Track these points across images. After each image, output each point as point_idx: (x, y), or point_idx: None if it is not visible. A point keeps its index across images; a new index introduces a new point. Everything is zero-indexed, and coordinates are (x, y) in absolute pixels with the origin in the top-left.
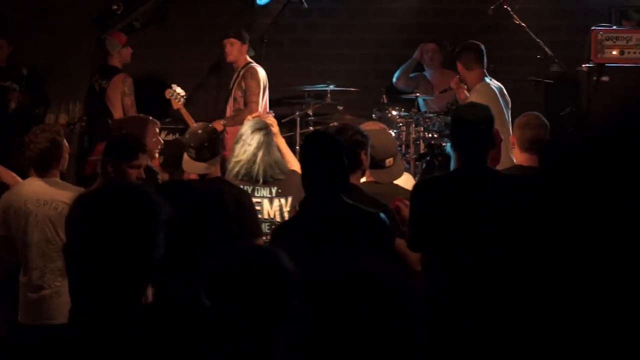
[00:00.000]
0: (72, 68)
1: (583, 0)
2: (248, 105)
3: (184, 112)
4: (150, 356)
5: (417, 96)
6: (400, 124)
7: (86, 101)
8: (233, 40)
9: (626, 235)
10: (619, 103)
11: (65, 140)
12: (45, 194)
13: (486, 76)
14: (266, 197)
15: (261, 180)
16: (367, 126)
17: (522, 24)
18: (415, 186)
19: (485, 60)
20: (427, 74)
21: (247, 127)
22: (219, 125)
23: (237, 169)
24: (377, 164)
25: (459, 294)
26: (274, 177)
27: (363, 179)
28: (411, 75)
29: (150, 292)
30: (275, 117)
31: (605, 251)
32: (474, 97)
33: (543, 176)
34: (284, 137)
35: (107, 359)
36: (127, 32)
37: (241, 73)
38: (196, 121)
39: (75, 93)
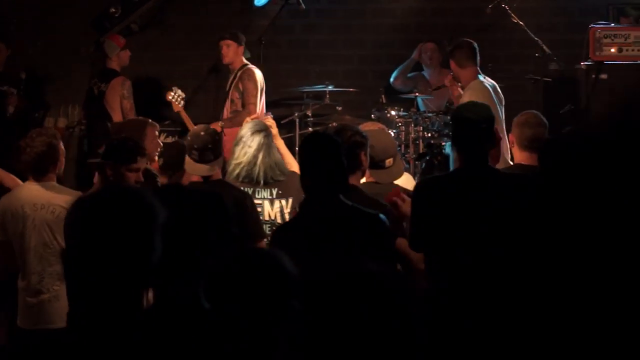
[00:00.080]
0: (71, 71)
1: None
2: (246, 106)
3: (183, 114)
4: (150, 359)
5: (416, 96)
6: (400, 124)
7: (85, 104)
8: (229, 41)
9: (625, 233)
10: (618, 104)
11: (61, 144)
12: (42, 197)
13: (480, 74)
14: (267, 198)
15: (262, 182)
16: (366, 127)
17: (520, 23)
18: (416, 186)
19: (478, 57)
20: (425, 73)
21: (246, 129)
22: (217, 127)
23: (237, 171)
24: (376, 164)
25: (459, 293)
26: (275, 178)
27: (363, 180)
28: (409, 75)
29: (150, 295)
30: (274, 118)
31: (604, 249)
32: (467, 94)
33: (542, 175)
34: (283, 139)
35: None
36: (125, 35)
37: (238, 75)
38: (195, 123)
39: (74, 96)
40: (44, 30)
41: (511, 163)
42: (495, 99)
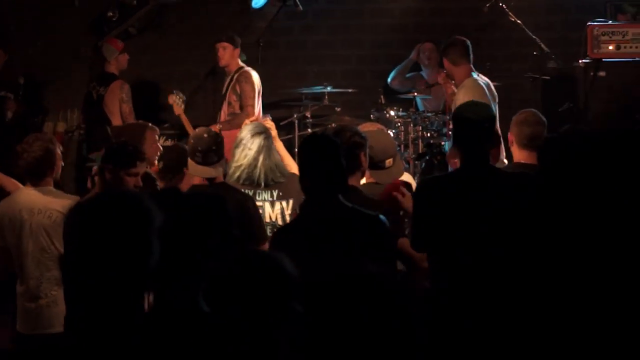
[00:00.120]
0: (69, 75)
1: None
2: (244, 109)
3: (183, 117)
4: None
5: (414, 96)
6: (399, 124)
7: (84, 109)
8: (225, 44)
9: (625, 232)
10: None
11: (58, 149)
12: (40, 202)
13: (473, 71)
14: (267, 200)
15: (262, 184)
16: (366, 127)
17: (518, 21)
18: (418, 186)
19: (471, 55)
20: (424, 73)
21: (246, 132)
22: (215, 129)
23: (238, 173)
24: (376, 164)
25: (460, 293)
26: (275, 180)
27: (363, 180)
28: (408, 75)
29: (149, 298)
30: (273, 120)
31: (604, 248)
32: (462, 92)
33: (542, 174)
34: (282, 140)
35: None
36: (123, 39)
37: (235, 77)
38: (194, 125)
39: (73, 100)
40: (42, 34)
41: (505, 162)
42: (489, 96)
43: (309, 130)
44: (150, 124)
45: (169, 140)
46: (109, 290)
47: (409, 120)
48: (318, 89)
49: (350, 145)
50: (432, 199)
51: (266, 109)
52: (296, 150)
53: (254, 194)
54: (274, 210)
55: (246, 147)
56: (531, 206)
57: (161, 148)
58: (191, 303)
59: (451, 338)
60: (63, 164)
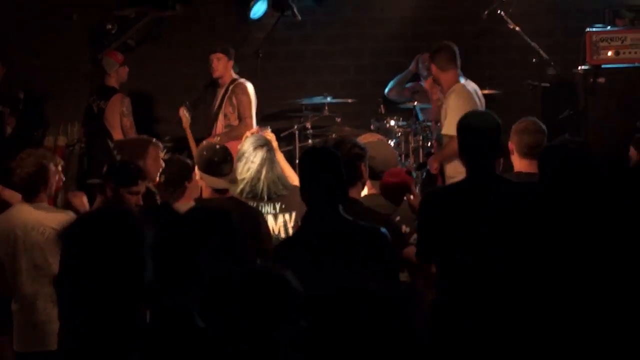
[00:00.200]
0: (69, 89)
1: (576, 2)
2: (243, 120)
3: (189, 132)
4: None
5: (414, 105)
6: (399, 134)
7: (84, 122)
8: (220, 55)
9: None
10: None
11: (53, 165)
12: (33, 219)
13: (461, 76)
14: (270, 213)
15: (265, 197)
16: (366, 138)
17: (517, 28)
18: (424, 196)
19: (459, 60)
20: (423, 84)
21: (248, 145)
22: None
23: (241, 186)
24: (377, 175)
25: (467, 304)
26: (278, 193)
27: (365, 191)
28: (407, 85)
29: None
30: (273, 131)
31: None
32: (453, 97)
33: (543, 183)
34: (283, 151)
35: None
36: (123, 51)
37: (230, 88)
38: (194, 138)
39: (73, 114)
40: (41, 48)
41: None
42: (478, 103)
43: (310, 141)
44: (154, 140)
45: (169, 153)
46: (102, 308)
47: (409, 130)
48: (318, 100)
49: (351, 157)
50: (438, 210)
51: (266, 120)
52: (297, 161)
53: (257, 207)
54: (277, 223)
55: (249, 161)
56: (533, 215)
57: (163, 164)
58: (189, 317)
59: (458, 348)
60: (64, 178)
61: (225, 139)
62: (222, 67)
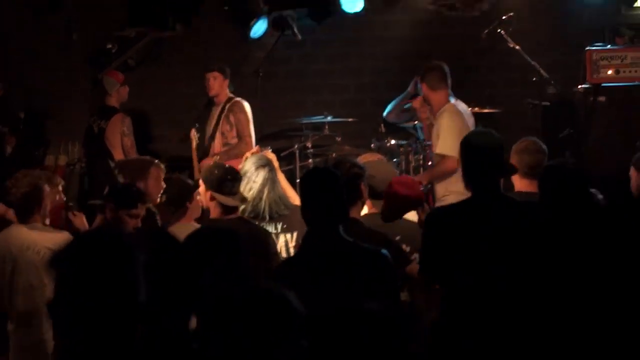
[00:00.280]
0: (70, 109)
1: (576, 21)
2: (242, 139)
3: (195, 153)
4: None
5: (415, 124)
6: (400, 153)
7: (85, 142)
8: (216, 74)
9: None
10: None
11: (47, 186)
12: (28, 239)
13: (451, 96)
14: (272, 233)
15: (267, 217)
16: (366, 157)
17: (517, 47)
18: (429, 214)
19: (449, 80)
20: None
21: (250, 164)
22: (211, 161)
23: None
24: (378, 194)
25: (468, 325)
26: (279, 212)
27: (365, 210)
28: (406, 106)
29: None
30: (274, 151)
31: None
32: (445, 117)
33: (543, 203)
34: (283, 171)
35: None
36: (123, 71)
37: (226, 107)
38: (190, 156)
39: (73, 133)
40: (41, 68)
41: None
42: (468, 123)
43: (310, 160)
44: (156, 161)
45: (169, 172)
46: (97, 328)
47: (410, 149)
48: (318, 119)
49: (350, 176)
50: (442, 228)
51: (266, 139)
52: (297, 180)
53: None
54: (278, 242)
55: (251, 180)
56: (535, 235)
57: (164, 186)
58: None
59: None
60: (65, 197)
61: (225, 158)
62: (218, 85)
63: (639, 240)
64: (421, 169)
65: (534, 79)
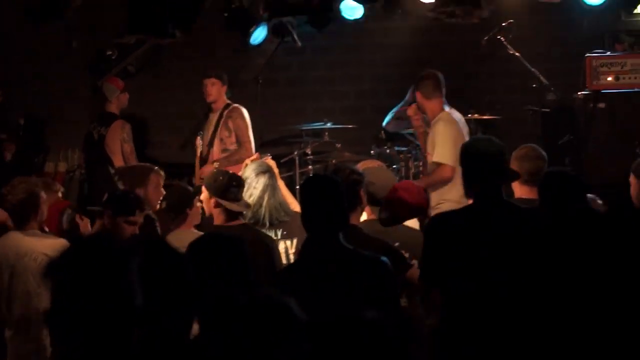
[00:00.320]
0: (69, 115)
1: (576, 27)
2: (242, 145)
3: (198, 160)
4: None
5: (414, 131)
6: (400, 160)
7: (85, 149)
8: (214, 80)
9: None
10: None
11: (44, 193)
12: (25, 245)
13: (445, 104)
14: None
15: (267, 224)
16: (365, 164)
17: (517, 54)
18: (431, 220)
19: (444, 89)
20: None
21: (250, 171)
22: (211, 168)
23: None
24: (377, 201)
25: (469, 331)
26: (279, 219)
27: (364, 217)
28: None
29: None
30: (273, 157)
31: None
32: (441, 125)
33: (543, 209)
34: (283, 177)
35: None
36: (122, 77)
37: (224, 113)
38: (190, 163)
39: (73, 140)
40: (41, 75)
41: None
42: (463, 131)
43: (310, 167)
44: (155, 167)
45: (169, 179)
46: (94, 334)
47: (410, 155)
48: (318, 125)
49: (350, 183)
50: (444, 234)
51: (266, 145)
52: (297, 187)
53: None
54: (279, 249)
55: (251, 187)
56: (536, 241)
57: (164, 192)
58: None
59: None
60: None
61: (225, 164)
62: (216, 91)
63: (638, 247)
64: (421, 176)
65: (534, 85)
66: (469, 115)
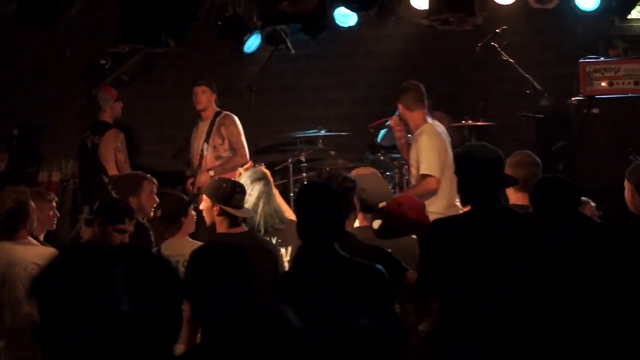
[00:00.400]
0: (63, 125)
1: (569, 33)
2: (237, 151)
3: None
4: None
5: (408, 136)
6: (394, 167)
7: (78, 158)
8: (204, 88)
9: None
10: None
11: (33, 202)
12: (15, 255)
13: (428, 116)
14: None
15: (262, 231)
16: (360, 171)
17: (510, 60)
18: (427, 227)
19: (426, 100)
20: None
21: (246, 178)
22: (207, 175)
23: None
24: (370, 208)
25: (467, 338)
26: (274, 226)
27: (356, 223)
28: (386, 123)
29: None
30: (268, 165)
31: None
32: (424, 138)
33: (535, 216)
34: (277, 185)
35: None
36: (116, 86)
37: (217, 121)
38: (182, 172)
39: (67, 150)
40: (34, 84)
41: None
42: (446, 143)
43: (304, 174)
44: (148, 175)
45: (163, 187)
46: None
47: (404, 162)
48: (312, 133)
49: (344, 190)
50: (442, 240)
51: (260, 153)
52: (291, 194)
53: None
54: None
55: (246, 194)
56: (536, 246)
57: (157, 200)
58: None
59: None
60: (58, 214)
61: (220, 171)
62: (206, 99)
63: (633, 253)
64: (405, 188)
65: (528, 91)
66: (463, 122)
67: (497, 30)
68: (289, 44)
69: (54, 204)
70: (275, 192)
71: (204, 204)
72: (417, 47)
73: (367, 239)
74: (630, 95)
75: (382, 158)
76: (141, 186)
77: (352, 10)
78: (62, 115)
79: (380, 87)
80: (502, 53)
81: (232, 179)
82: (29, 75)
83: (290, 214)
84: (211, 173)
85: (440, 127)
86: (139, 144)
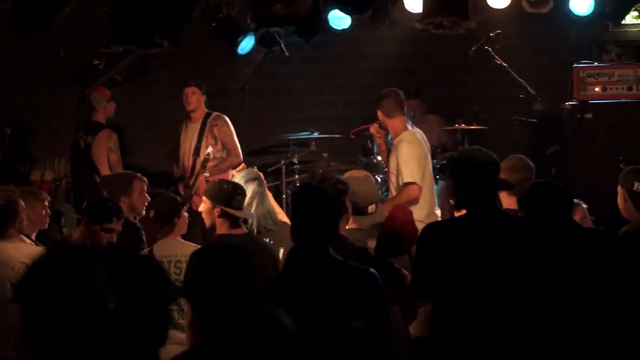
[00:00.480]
0: (56, 125)
1: (563, 38)
2: (231, 151)
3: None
4: None
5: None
6: (386, 169)
7: (71, 157)
8: (194, 89)
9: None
10: None
11: (22, 201)
12: (3, 254)
13: (407, 122)
14: None
15: (255, 231)
16: (352, 174)
17: (504, 64)
18: (423, 230)
19: (405, 107)
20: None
21: (239, 179)
22: (202, 177)
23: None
24: (359, 210)
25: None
26: (267, 227)
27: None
28: (366, 133)
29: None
30: (260, 166)
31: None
32: (405, 146)
33: (527, 219)
34: (269, 187)
35: None
36: (110, 87)
37: (208, 121)
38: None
39: (59, 149)
40: (28, 84)
41: (437, 213)
42: (426, 149)
43: (297, 176)
44: (138, 175)
45: (157, 188)
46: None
47: None
48: (305, 135)
49: (336, 192)
50: (438, 244)
51: (253, 155)
52: (284, 196)
53: None
54: None
55: (246, 195)
56: (529, 250)
57: (149, 199)
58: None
59: None
60: (50, 213)
61: (215, 171)
62: (196, 100)
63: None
64: (387, 195)
65: (521, 95)
66: (456, 125)
67: (491, 34)
68: (283, 46)
69: (47, 203)
70: (268, 193)
71: (204, 205)
72: (411, 50)
73: (358, 242)
74: (623, 100)
75: (375, 161)
76: (132, 185)
77: (346, 13)
78: (55, 115)
79: (374, 89)
80: (496, 57)
81: (227, 179)
82: (22, 75)
83: (282, 216)
84: (206, 175)
85: (421, 135)
86: (133, 144)
